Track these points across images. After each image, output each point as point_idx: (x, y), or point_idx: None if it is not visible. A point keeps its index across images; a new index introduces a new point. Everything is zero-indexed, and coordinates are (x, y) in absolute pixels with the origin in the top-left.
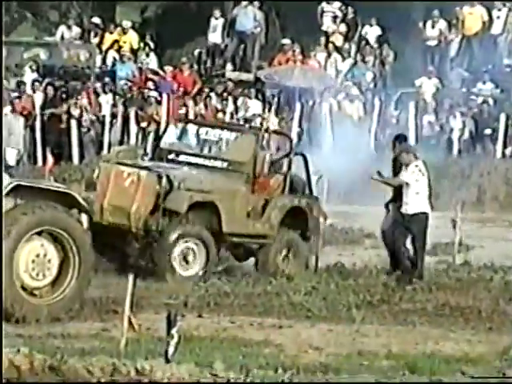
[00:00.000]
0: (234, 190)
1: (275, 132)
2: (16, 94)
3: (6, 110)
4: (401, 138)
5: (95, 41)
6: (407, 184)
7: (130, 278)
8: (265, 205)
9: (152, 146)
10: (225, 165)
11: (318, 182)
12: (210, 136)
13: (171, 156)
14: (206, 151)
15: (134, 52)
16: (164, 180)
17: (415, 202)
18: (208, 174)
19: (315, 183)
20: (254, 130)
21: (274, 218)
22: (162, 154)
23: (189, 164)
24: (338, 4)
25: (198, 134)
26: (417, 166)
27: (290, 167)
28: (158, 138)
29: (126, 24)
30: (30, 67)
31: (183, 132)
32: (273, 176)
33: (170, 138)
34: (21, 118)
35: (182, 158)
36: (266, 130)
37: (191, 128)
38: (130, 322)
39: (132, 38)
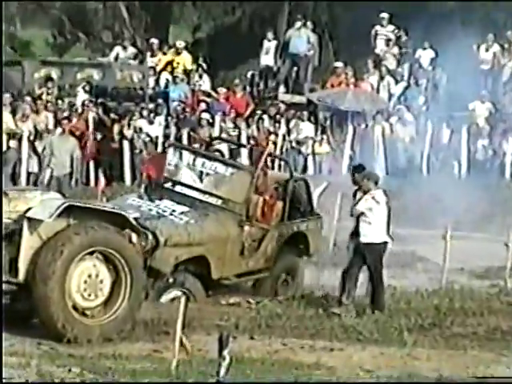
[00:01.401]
0: (226, 235)
1: (275, 157)
2: (65, 115)
3: (56, 130)
4: (359, 168)
5: (150, 61)
6: (362, 213)
7: (182, 299)
8: (262, 236)
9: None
10: (219, 202)
11: (323, 192)
12: (206, 168)
13: (168, 185)
14: (201, 185)
15: (186, 73)
16: (150, 237)
17: (369, 231)
18: (199, 218)
19: (320, 194)
20: (250, 168)
21: (270, 250)
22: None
23: (183, 196)
24: (391, 27)
25: (194, 165)
26: (373, 196)
27: (289, 194)
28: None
29: (180, 44)
30: (83, 88)
31: (180, 160)
32: (274, 204)
33: (169, 165)
34: (70, 139)
35: (177, 188)
36: (270, 155)
37: (186, 157)
38: (182, 344)
39: (185, 59)
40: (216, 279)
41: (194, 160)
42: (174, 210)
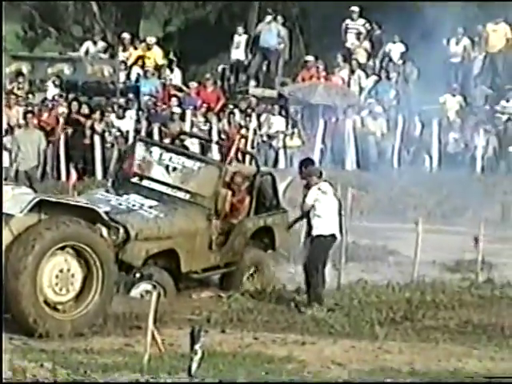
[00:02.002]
0: (195, 228)
1: (242, 152)
2: (29, 109)
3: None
4: (307, 162)
5: (121, 56)
6: (312, 206)
7: (154, 293)
8: (229, 230)
9: (117, 166)
10: (187, 196)
11: (289, 186)
12: (174, 163)
13: (135, 179)
14: (169, 179)
15: (158, 68)
16: (121, 231)
17: (319, 223)
18: (168, 212)
19: (286, 187)
20: (218, 163)
21: (237, 244)
22: (125, 175)
23: (150, 190)
24: (362, 21)
25: (161, 159)
26: (318, 187)
27: (256, 188)
28: (124, 156)
29: (151, 40)
30: (53, 82)
31: (148, 154)
32: (242, 199)
33: (136, 159)
34: (36, 132)
35: (144, 182)
36: (238, 149)
37: (155, 151)
38: (154, 338)
39: (156, 54)
40: (185, 273)
41: (162, 154)
42: (142, 204)
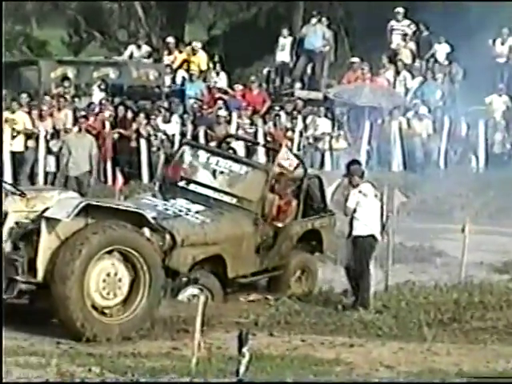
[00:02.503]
0: (241, 234)
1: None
2: (82, 113)
3: (75, 129)
4: (353, 164)
5: (166, 59)
6: (355, 208)
7: (202, 297)
8: (275, 234)
9: (163, 170)
10: (234, 201)
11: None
12: (221, 167)
13: (182, 183)
14: (216, 183)
15: (202, 71)
16: (167, 237)
17: (357, 224)
18: (214, 217)
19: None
20: (265, 167)
21: (284, 248)
22: (172, 179)
23: (197, 195)
24: (407, 22)
25: (208, 163)
26: (359, 190)
27: (303, 191)
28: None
29: (197, 45)
30: (99, 86)
31: (195, 158)
32: (289, 202)
33: (184, 162)
34: (87, 137)
35: (191, 186)
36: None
37: (202, 155)
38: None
39: (201, 59)
40: (232, 278)
41: (209, 158)
42: (189, 210)
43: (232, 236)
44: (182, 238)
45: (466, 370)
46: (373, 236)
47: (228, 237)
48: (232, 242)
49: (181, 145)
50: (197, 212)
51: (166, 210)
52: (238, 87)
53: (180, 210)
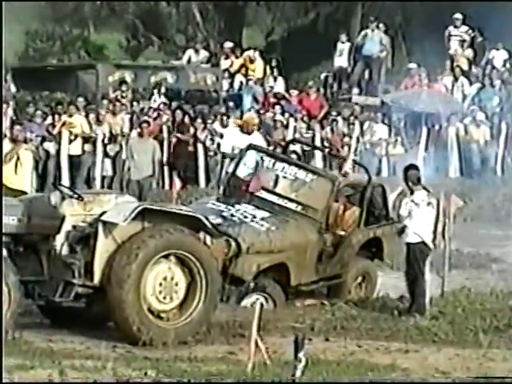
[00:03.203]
0: (306, 242)
1: (355, 163)
2: (144, 119)
3: (133, 133)
4: (411, 168)
5: (223, 64)
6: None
7: (258, 302)
8: (338, 242)
9: (229, 174)
10: (299, 208)
11: (399, 196)
12: (286, 173)
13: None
14: (280, 189)
15: (261, 77)
16: (233, 245)
17: (408, 231)
18: (280, 225)
19: (396, 198)
20: (331, 175)
21: (347, 256)
22: (236, 183)
23: (262, 200)
24: (465, 28)
25: (273, 168)
26: (412, 199)
27: (367, 199)
28: (237, 164)
29: (254, 54)
30: (158, 91)
31: (260, 163)
32: (352, 211)
33: (248, 167)
34: (150, 141)
35: (257, 192)
36: (344, 159)
37: (267, 161)
38: (257, 346)
39: (258, 66)
40: (295, 285)
41: (274, 164)
42: (254, 216)
43: (297, 244)
44: (247, 246)
45: None
46: (424, 243)
47: (293, 245)
48: (296, 250)
49: (246, 149)
50: (262, 219)
51: (232, 215)
52: (295, 92)
53: (245, 217)
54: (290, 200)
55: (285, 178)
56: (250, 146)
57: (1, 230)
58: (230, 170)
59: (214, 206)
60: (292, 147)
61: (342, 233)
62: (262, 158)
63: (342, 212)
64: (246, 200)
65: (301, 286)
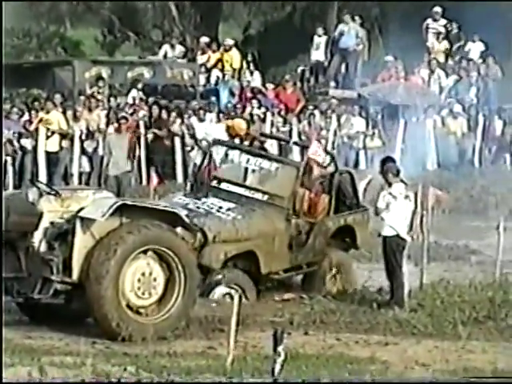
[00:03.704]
0: (273, 229)
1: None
2: (122, 114)
3: (110, 129)
4: (388, 161)
5: (200, 59)
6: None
7: (236, 296)
8: (308, 230)
9: (196, 169)
10: (265, 198)
11: (369, 185)
12: (251, 164)
13: (214, 183)
14: (247, 181)
15: (237, 70)
16: (198, 235)
17: (385, 224)
18: (246, 214)
19: (366, 186)
20: (295, 163)
21: (318, 244)
22: (203, 178)
23: (229, 193)
24: (443, 21)
25: (239, 161)
26: (389, 191)
27: (335, 187)
28: (202, 160)
29: (228, 42)
30: (135, 86)
31: (225, 157)
32: (320, 197)
33: (214, 161)
34: (127, 136)
35: (223, 185)
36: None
37: (232, 154)
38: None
39: (233, 57)
40: (265, 274)
41: (239, 156)
42: (220, 207)
43: (264, 232)
44: (213, 235)
45: (500, 368)
46: (397, 236)
47: (260, 233)
48: (264, 237)
49: (212, 144)
50: (228, 209)
51: (197, 208)
52: (272, 86)
53: (211, 208)
54: (257, 190)
55: (251, 169)
56: (215, 141)
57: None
58: (197, 164)
59: (180, 200)
60: (269, 142)
61: (313, 220)
62: (226, 151)
63: (311, 200)
64: (212, 194)
65: (272, 275)
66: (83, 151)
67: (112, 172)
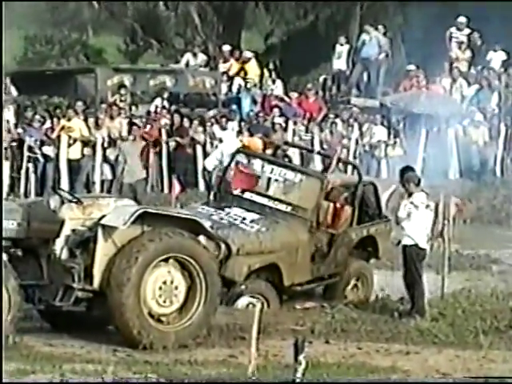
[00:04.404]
0: (297, 242)
1: (344, 162)
2: (137, 121)
3: (131, 137)
4: (407, 170)
5: (222, 67)
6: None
7: (258, 304)
8: (331, 241)
9: (218, 178)
10: (289, 209)
11: (392, 195)
12: (275, 174)
13: (237, 192)
14: (270, 191)
15: (260, 79)
16: (223, 247)
17: (405, 233)
18: (270, 226)
19: (389, 197)
20: (319, 175)
21: (340, 255)
22: (226, 187)
23: (252, 203)
24: (467, 31)
25: (262, 171)
26: (411, 201)
27: (358, 198)
28: (226, 169)
29: (247, 55)
30: (160, 95)
31: (249, 166)
32: (343, 209)
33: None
34: (142, 144)
35: (246, 195)
36: (339, 159)
37: (256, 163)
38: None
39: (252, 68)
40: (287, 286)
41: (263, 166)
42: (244, 218)
43: (287, 244)
44: (237, 248)
45: None
46: (416, 245)
47: (283, 245)
48: (287, 250)
49: (235, 152)
50: (252, 221)
51: (221, 219)
52: (294, 95)
53: (235, 219)
54: (280, 201)
55: (275, 180)
56: (239, 150)
57: (1, 234)
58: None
59: (203, 210)
60: (291, 150)
61: (336, 232)
62: (250, 160)
63: (334, 211)
64: (236, 203)
65: (295, 287)
66: (105, 159)
67: (126, 180)
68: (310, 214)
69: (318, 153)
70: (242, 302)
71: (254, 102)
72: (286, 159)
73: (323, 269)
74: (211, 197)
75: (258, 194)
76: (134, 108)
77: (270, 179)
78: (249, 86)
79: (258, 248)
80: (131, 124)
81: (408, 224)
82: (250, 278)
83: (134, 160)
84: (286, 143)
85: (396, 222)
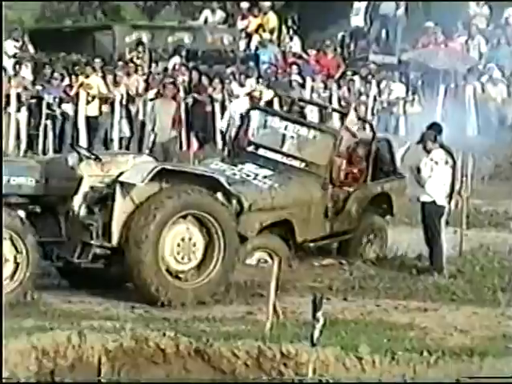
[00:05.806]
0: (310, 198)
1: (358, 118)
2: (169, 80)
3: (150, 94)
4: (433, 127)
5: (240, 24)
6: (429, 177)
7: (276, 261)
8: (345, 197)
9: (233, 135)
10: (302, 165)
11: (407, 152)
12: (289, 131)
13: (250, 148)
14: (284, 147)
15: (278, 35)
16: (234, 202)
17: (422, 191)
18: (283, 182)
19: (404, 153)
20: (333, 131)
21: (354, 212)
22: (241, 144)
23: (266, 159)
24: None
25: (277, 127)
26: (430, 157)
27: (372, 154)
28: (240, 125)
29: (263, 5)
30: (179, 53)
31: (264, 122)
32: (357, 166)
33: (252, 127)
34: (172, 103)
35: (260, 151)
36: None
37: (270, 120)
38: (275, 307)
39: (271, 20)
40: (300, 242)
41: (277, 123)
42: (257, 174)
43: (300, 200)
44: (249, 204)
45: None
46: (434, 202)
47: (296, 201)
48: (300, 206)
49: (250, 109)
50: (265, 177)
51: (234, 174)
52: (312, 52)
53: (247, 175)
54: (294, 158)
55: (289, 136)
56: (253, 107)
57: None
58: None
59: (216, 166)
60: (309, 108)
61: (350, 189)
62: (264, 117)
63: (348, 168)
64: (249, 160)
65: (308, 243)
66: (123, 116)
67: (159, 139)
68: (324, 171)
69: (333, 109)
70: (254, 257)
71: (272, 59)
72: (300, 116)
73: (337, 225)
74: (225, 153)
75: (272, 150)
76: (153, 65)
77: (284, 135)
78: (267, 42)
79: (270, 204)
80: (147, 81)
81: (430, 180)
82: (262, 234)
83: (164, 118)
84: (300, 100)
85: (419, 183)
